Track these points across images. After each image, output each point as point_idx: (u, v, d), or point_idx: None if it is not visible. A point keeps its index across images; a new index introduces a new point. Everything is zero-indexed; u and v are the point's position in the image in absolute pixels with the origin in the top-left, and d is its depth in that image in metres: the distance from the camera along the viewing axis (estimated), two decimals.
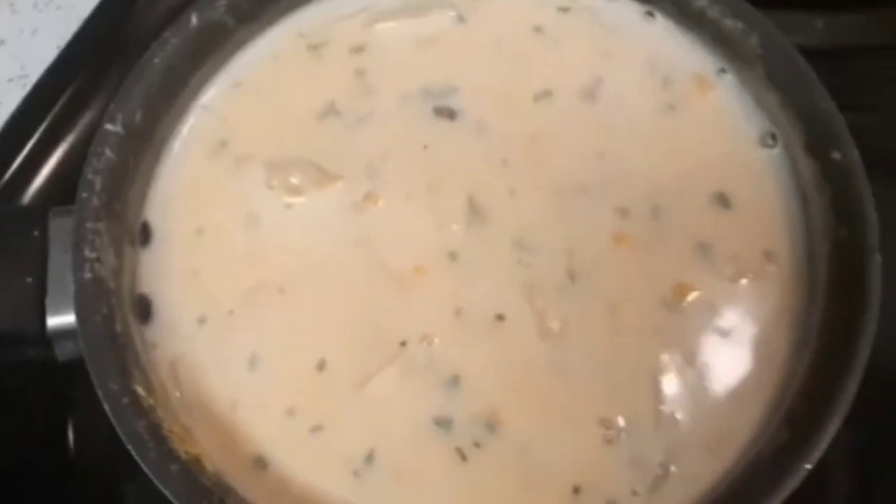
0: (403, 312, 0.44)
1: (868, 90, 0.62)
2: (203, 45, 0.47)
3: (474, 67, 0.48)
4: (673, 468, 0.42)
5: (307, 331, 0.43)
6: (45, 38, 0.62)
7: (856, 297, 0.42)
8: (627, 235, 0.46)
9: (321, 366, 0.43)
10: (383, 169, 0.46)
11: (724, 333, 0.44)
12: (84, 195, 0.42)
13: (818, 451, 0.39)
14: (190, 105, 0.47)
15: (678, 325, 0.44)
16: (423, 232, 0.45)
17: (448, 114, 0.47)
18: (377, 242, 0.45)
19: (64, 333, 0.41)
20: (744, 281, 0.45)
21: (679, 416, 0.43)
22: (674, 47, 0.49)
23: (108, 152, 0.43)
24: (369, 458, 0.41)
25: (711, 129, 0.48)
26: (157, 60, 0.45)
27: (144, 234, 0.45)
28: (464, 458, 0.41)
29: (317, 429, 0.42)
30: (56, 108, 0.60)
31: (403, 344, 0.43)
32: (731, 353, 0.44)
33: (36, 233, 0.42)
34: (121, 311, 0.41)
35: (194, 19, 0.47)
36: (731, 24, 0.48)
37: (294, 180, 0.46)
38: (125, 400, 0.38)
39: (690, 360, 0.44)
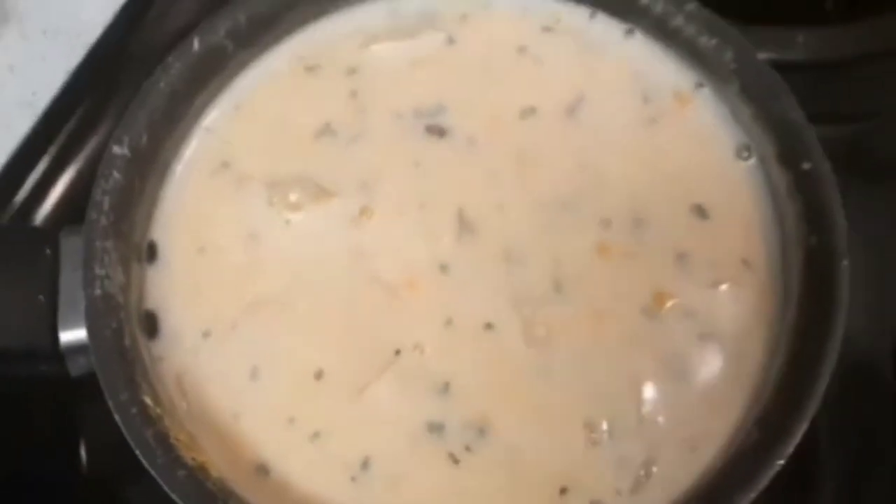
0: (397, 322, 0.46)
1: (847, 102, 0.63)
2: (205, 69, 0.49)
3: (463, 87, 0.50)
4: (654, 468, 0.44)
5: (305, 342, 0.45)
6: (53, 64, 0.64)
7: (826, 302, 0.44)
8: (610, 246, 0.48)
9: (319, 375, 0.45)
10: (377, 185, 0.48)
11: (703, 338, 0.46)
12: (93, 215, 0.44)
13: (788, 448, 0.41)
14: (193, 127, 0.49)
15: (658, 332, 0.46)
16: (415, 245, 0.47)
17: (438, 132, 0.49)
18: (372, 255, 0.47)
19: (76, 349, 0.43)
20: (722, 288, 0.47)
21: (660, 418, 0.45)
22: (653, 63, 0.51)
23: (116, 174, 0.45)
24: (365, 464, 0.43)
25: (690, 142, 0.50)
26: (161, 85, 0.47)
27: (151, 253, 0.47)
28: (456, 461, 0.43)
29: (316, 436, 0.44)
30: (65, 132, 0.62)
31: (397, 353, 0.45)
32: (709, 358, 0.46)
33: (47, 252, 0.44)
34: (129, 326, 0.43)
35: (196, 44, 0.48)
36: (707, 41, 0.49)
37: (293, 197, 0.48)
38: (134, 410, 0.40)
39: (670, 364, 0.45)
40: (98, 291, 0.43)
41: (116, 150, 0.46)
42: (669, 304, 0.46)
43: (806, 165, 0.46)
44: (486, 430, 0.44)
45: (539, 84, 0.51)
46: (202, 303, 0.46)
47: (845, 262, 0.44)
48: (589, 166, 0.49)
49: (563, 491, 0.43)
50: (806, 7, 0.63)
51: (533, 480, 0.43)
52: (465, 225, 0.48)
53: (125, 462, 0.52)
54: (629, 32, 0.52)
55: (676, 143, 0.50)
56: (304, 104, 0.50)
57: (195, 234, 0.47)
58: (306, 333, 0.46)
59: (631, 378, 0.45)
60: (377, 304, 0.46)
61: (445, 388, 0.45)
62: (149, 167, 0.47)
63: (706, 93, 0.51)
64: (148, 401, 0.41)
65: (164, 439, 0.40)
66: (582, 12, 0.52)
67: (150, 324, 0.46)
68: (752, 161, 0.49)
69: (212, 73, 0.50)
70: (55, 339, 0.43)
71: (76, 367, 0.43)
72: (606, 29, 0.52)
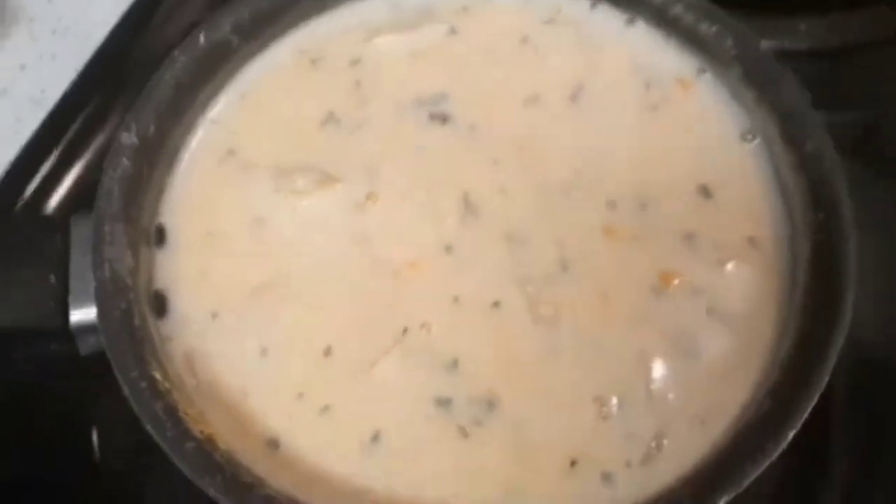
0: (403, 302, 0.46)
1: (850, 89, 0.64)
2: (210, 62, 0.49)
3: (465, 76, 0.51)
4: (665, 441, 0.44)
5: (313, 321, 0.46)
6: (63, 62, 0.65)
7: (834, 278, 0.44)
8: (615, 227, 0.48)
9: (328, 352, 0.45)
10: (381, 171, 0.49)
11: (711, 316, 0.46)
12: (103, 201, 0.44)
13: (799, 419, 0.41)
14: (199, 118, 0.50)
15: (666, 309, 0.46)
16: (420, 227, 0.47)
17: (441, 118, 0.50)
18: (377, 239, 0.47)
19: (85, 328, 0.43)
20: (729, 266, 0.47)
21: (669, 394, 0.45)
22: (655, 51, 0.52)
23: (125, 161, 0.45)
24: (376, 438, 0.43)
25: (693, 125, 0.50)
26: (167, 77, 0.48)
27: (159, 236, 0.47)
28: (465, 435, 0.43)
29: (325, 410, 0.44)
30: (74, 128, 0.63)
31: (405, 331, 0.45)
32: (717, 335, 0.46)
33: (58, 237, 0.44)
34: (138, 306, 0.43)
35: (202, 39, 0.49)
36: (707, 28, 0.50)
37: (299, 184, 0.48)
38: (143, 385, 0.41)
39: (679, 341, 0.46)
40: (107, 273, 0.43)
41: (125, 138, 0.46)
42: (676, 282, 0.47)
43: (809, 146, 0.47)
44: (494, 405, 0.44)
45: (541, 73, 0.51)
46: (210, 285, 0.46)
47: (852, 239, 0.45)
48: (592, 151, 0.50)
49: (573, 463, 0.43)
50: None
51: (543, 453, 0.43)
52: (469, 207, 0.48)
53: (137, 450, 0.52)
54: (630, 22, 0.52)
55: (680, 126, 0.51)
56: (308, 94, 0.51)
57: (202, 219, 0.48)
58: (314, 314, 0.46)
59: (639, 355, 0.45)
60: (384, 285, 0.46)
61: (453, 364, 0.45)
62: (157, 155, 0.48)
63: (708, 78, 0.51)
64: (157, 376, 0.41)
65: (173, 412, 0.40)
66: (582, 3, 0.53)
67: (159, 304, 0.46)
68: (757, 142, 0.50)
69: (217, 65, 0.50)
70: (66, 318, 0.43)
71: (86, 347, 0.43)
72: (607, 18, 0.53)
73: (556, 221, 0.48)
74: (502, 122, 0.50)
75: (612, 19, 0.53)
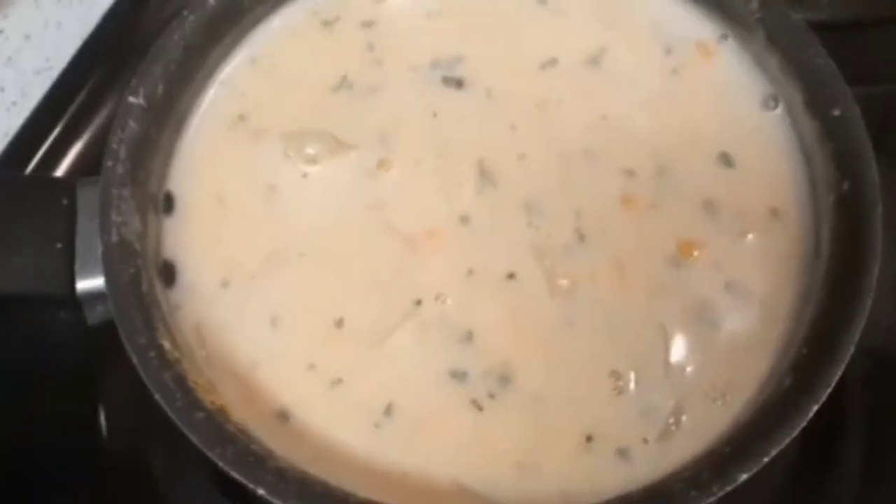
0: (417, 273, 0.45)
1: (874, 63, 0.62)
2: (220, 23, 0.48)
3: (481, 39, 0.50)
4: (683, 418, 0.43)
5: (325, 292, 0.45)
6: (68, 31, 0.64)
7: (859, 249, 0.43)
8: (634, 196, 0.47)
9: (339, 324, 0.44)
10: (395, 137, 0.48)
11: (731, 288, 0.45)
12: (109, 163, 0.43)
13: (823, 393, 0.40)
14: (209, 80, 0.49)
15: (685, 281, 0.45)
16: (434, 196, 0.46)
17: (456, 83, 0.49)
18: (391, 207, 0.46)
19: (92, 297, 0.42)
20: (749, 237, 0.46)
21: (688, 368, 0.44)
22: (676, 15, 0.51)
23: (132, 123, 0.44)
24: (388, 410, 0.43)
25: (715, 92, 0.49)
26: (176, 37, 0.46)
27: (167, 203, 0.46)
28: (479, 408, 0.43)
29: (337, 383, 0.43)
30: (79, 98, 0.62)
31: (418, 303, 0.44)
32: (737, 307, 0.45)
33: (64, 201, 0.43)
34: (146, 272, 0.42)
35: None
36: None
37: (310, 150, 0.47)
38: (152, 353, 0.40)
39: (697, 314, 0.45)
40: (115, 238, 0.42)
41: (132, 100, 0.45)
42: (696, 253, 0.46)
43: (835, 111, 0.46)
44: (509, 378, 0.43)
45: (559, 36, 0.50)
46: (220, 253, 0.46)
47: (879, 207, 0.43)
48: (611, 117, 0.48)
49: (589, 438, 0.42)
50: None
51: (558, 427, 0.43)
52: (485, 175, 0.47)
53: (144, 428, 0.52)
54: None
55: (700, 93, 0.49)
56: (320, 58, 0.50)
57: (212, 186, 0.47)
58: (326, 283, 0.45)
59: (657, 328, 0.44)
60: (397, 256, 0.45)
61: (468, 336, 0.44)
62: (165, 118, 0.46)
63: (730, 44, 0.50)
64: (166, 345, 0.41)
65: (182, 382, 0.40)
66: None
67: (168, 273, 0.45)
68: (779, 110, 0.49)
69: (227, 27, 0.49)
70: (72, 286, 0.42)
71: (93, 316, 0.43)
72: None
73: (574, 190, 0.47)
74: (519, 87, 0.49)
75: None
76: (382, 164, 0.47)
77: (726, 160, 0.48)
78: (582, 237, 0.46)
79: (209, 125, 0.48)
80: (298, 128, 0.48)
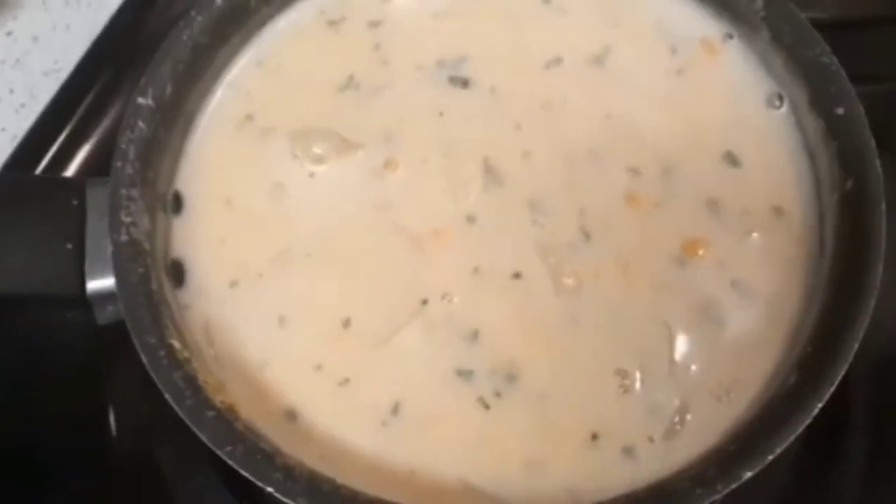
0: (424, 272, 0.45)
1: (877, 62, 0.62)
2: (227, 24, 0.48)
3: (486, 38, 0.50)
4: (688, 416, 0.43)
5: (332, 291, 0.45)
6: (76, 33, 0.65)
7: (864, 247, 0.43)
8: (638, 194, 0.47)
9: (346, 323, 0.44)
10: (401, 136, 0.48)
11: (735, 286, 0.45)
12: (118, 164, 0.43)
13: (828, 391, 0.40)
14: (216, 81, 0.49)
15: (690, 280, 0.45)
16: (440, 195, 0.47)
17: (462, 82, 0.49)
18: (397, 206, 0.46)
19: (103, 297, 0.43)
20: (754, 235, 0.46)
21: (693, 366, 0.44)
22: (681, 14, 0.51)
23: (140, 124, 0.44)
24: (395, 409, 0.43)
25: (719, 91, 0.49)
26: (184, 37, 0.47)
27: (176, 203, 0.47)
28: (486, 406, 0.43)
29: (344, 382, 0.43)
30: (87, 99, 0.62)
31: (424, 302, 0.45)
32: (741, 306, 0.45)
33: (74, 202, 0.44)
34: (156, 271, 0.43)
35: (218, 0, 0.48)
36: None
37: (317, 149, 0.47)
38: (162, 352, 0.40)
39: (702, 312, 0.45)
40: (125, 237, 0.42)
41: (141, 100, 0.45)
42: (700, 251, 0.46)
43: (839, 110, 0.46)
44: (515, 377, 0.43)
45: (564, 35, 0.50)
46: (228, 253, 0.46)
47: (883, 205, 0.43)
48: (616, 116, 0.49)
49: (595, 437, 0.42)
50: None
51: (563, 426, 0.43)
52: (490, 174, 0.47)
53: (153, 427, 0.52)
54: None
55: (705, 92, 0.50)
56: (326, 58, 0.50)
57: (220, 186, 0.47)
58: (333, 283, 0.45)
59: (662, 326, 0.45)
60: (403, 255, 0.46)
61: (474, 335, 0.44)
62: (173, 118, 0.47)
63: (735, 43, 0.50)
64: (175, 344, 0.41)
65: (192, 381, 0.40)
66: None
67: (177, 273, 0.45)
68: (784, 109, 0.49)
69: (235, 27, 0.49)
70: (82, 286, 0.42)
71: (103, 316, 0.43)
72: None
73: (579, 188, 0.47)
74: (524, 86, 0.49)
75: None
76: (389, 163, 0.47)
77: (731, 159, 0.48)
78: (587, 235, 0.46)
79: (217, 125, 0.48)
80: (305, 127, 0.48)
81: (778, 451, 0.39)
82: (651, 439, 0.43)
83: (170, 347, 0.40)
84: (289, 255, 0.46)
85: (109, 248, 0.42)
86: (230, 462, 0.38)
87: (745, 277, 0.45)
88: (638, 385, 0.44)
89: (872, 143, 0.45)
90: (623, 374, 0.44)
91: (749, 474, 0.39)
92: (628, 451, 0.42)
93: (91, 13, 0.66)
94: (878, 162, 0.44)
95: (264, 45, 0.50)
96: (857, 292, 0.42)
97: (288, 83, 0.49)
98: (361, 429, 0.42)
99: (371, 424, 0.43)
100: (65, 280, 0.42)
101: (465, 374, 0.43)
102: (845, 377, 0.41)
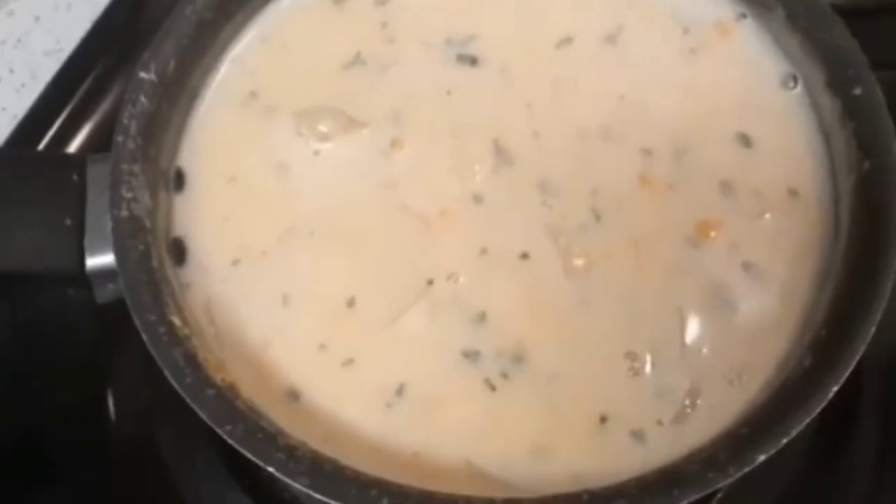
0: (430, 252, 0.44)
1: (892, 48, 0.61)
2: (231, 0, 0.48)
3: (496, 17, 0.49)
4: (699, 400, 0.42)
5: (337, 271, 0.44)
6: (77, 13, 0.64)
7: (880, 228, 0.42)
8: (651, 176, 0.46)
9: (351, 303, 0.43)
10: (408, 115, 0.47)
11: (748, 269, 0.45)
12: (120, 138, 0.43)
13: (843, 373, 0.39)
14: (220, 57, 0.48)
15: (702, 261, 0.45)
16: (448, 175, 0.46)
17: (470, 60, 0.48)
18: (403, 186, 0.46)
19: (102, 274, 0.42)
20: (767, 217, 0.45)
21: (704, 349, 0.43)
22: None
23: (143, 99, 0.44)
24: (400, 391, 0.42)
25: (733, 72, 0.49)
26: (188, 12, 0.46)
27: (178, 180, 0.46)
28: (493, 388, 0.42)
29: (348, 363, 0.42)
30: (89, 80, 0.62)
31: (430, 282, 0.44)
32: (754, 288, 0.44)
33: (74, 177, 0.43)
34: (157, 249, 0.42)
35: None
36: None
37: (322, 128, 0.47)
38: (162, 329, 0.39)
39: (714, 295, 0.44)
40: (125, 213, 0.42)
41: (143, 75, 0.45)
42: (713, 233, 0.45)
43: (857, 91, 0.45)
44: (523, 359, 0.43)
45: (575, 13, 0.50)
46: (231, 231, 0.45)
47: None
48: (628, 96, 0.48)
49: (604, 420, 0.42)
50: None
51: (572, 408, 0.42)
52: (500, 154, 0.46)
53: (153, 411, 0.52)
54: None
55: (718, 73, 0.49)
56: (332, 35, 0.49)
57: (224, 163, 0.46)
58: (337, 262, 0.45)
59: (673, 308, 0.44)
60: (409, 235, 0.45)
61: (481, 316, 0.43)
62: (176, 94, 0.46)
63: (749, 23, 0.49)
64: (176, 321, 0.40)
65: (192, 359, 0.39)
66: None
67: (178, 251, 0.45)
68: (798, 90, 0.48)
69: (238, 3, 0.49)
70: (82, 262, 0.42)
71: (103, 294, 0.42)
72: None
73: (590, 169, 0.46)
74: (535, 65, 0.48)
75: None
76: (395, 142, 0.47)
77: (744, 140, 0.47)
78: (598, 216, 0.45)
79: (221, 102, 0.48)
80: (310, 105, 0.47)
81: (793, 433, 0.38)
82: (660, 422, 0.42)
83: (170, 324, 0.40)
84: (293, 234, 0.45)
85: (109, 225, 0.41)
86: (230, 441, 0.38)
87: (758, 260, 0.45)
88: (648, 368, 0.43)
89: (891, 124, 0.44)
90: (633, 356, 0.43)
91: (763, 457, 0.38)
92: (637, 435, 0.42)
93: None
94: None
95: (269, 22, 0.49)
96: (874, 275, 0.41)
97: (293, 60, 0.49)
98: (365, 410, 0.42)
99: (375, 406, 0.42)
100: (64, 256, 0.42)
101: (471, 356, 0.43)
102: (858, 366, 0.40)
